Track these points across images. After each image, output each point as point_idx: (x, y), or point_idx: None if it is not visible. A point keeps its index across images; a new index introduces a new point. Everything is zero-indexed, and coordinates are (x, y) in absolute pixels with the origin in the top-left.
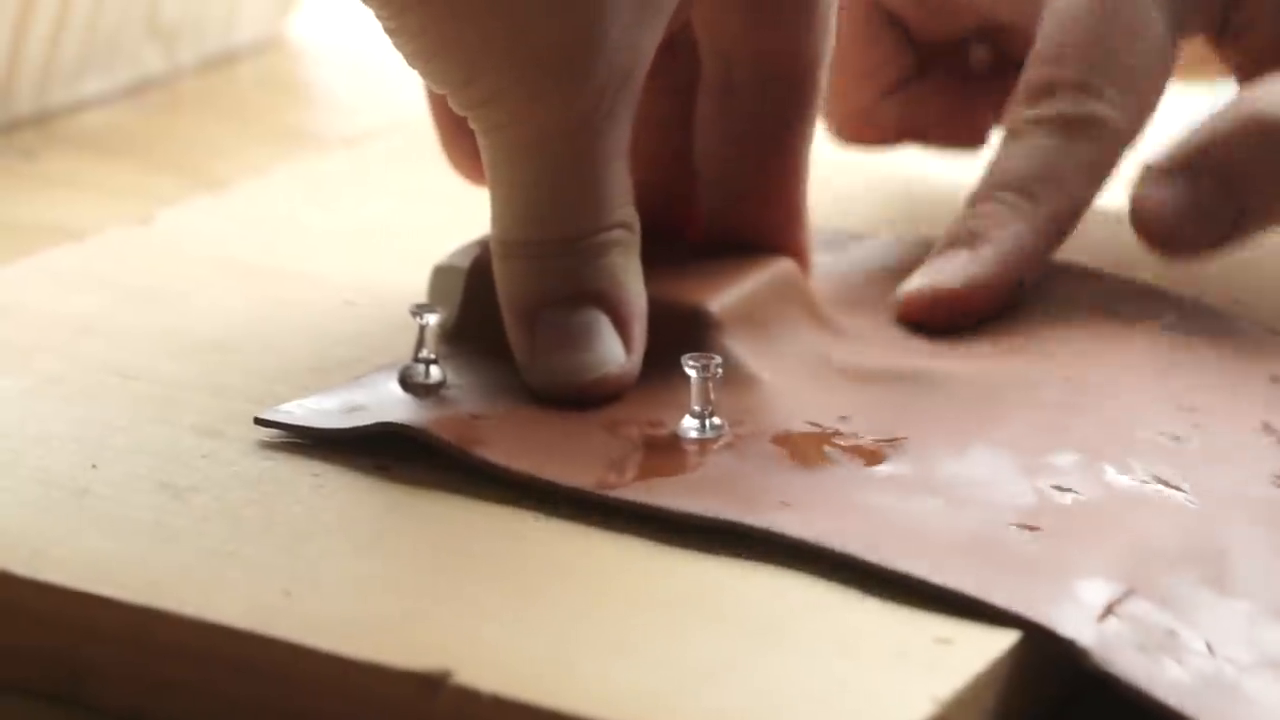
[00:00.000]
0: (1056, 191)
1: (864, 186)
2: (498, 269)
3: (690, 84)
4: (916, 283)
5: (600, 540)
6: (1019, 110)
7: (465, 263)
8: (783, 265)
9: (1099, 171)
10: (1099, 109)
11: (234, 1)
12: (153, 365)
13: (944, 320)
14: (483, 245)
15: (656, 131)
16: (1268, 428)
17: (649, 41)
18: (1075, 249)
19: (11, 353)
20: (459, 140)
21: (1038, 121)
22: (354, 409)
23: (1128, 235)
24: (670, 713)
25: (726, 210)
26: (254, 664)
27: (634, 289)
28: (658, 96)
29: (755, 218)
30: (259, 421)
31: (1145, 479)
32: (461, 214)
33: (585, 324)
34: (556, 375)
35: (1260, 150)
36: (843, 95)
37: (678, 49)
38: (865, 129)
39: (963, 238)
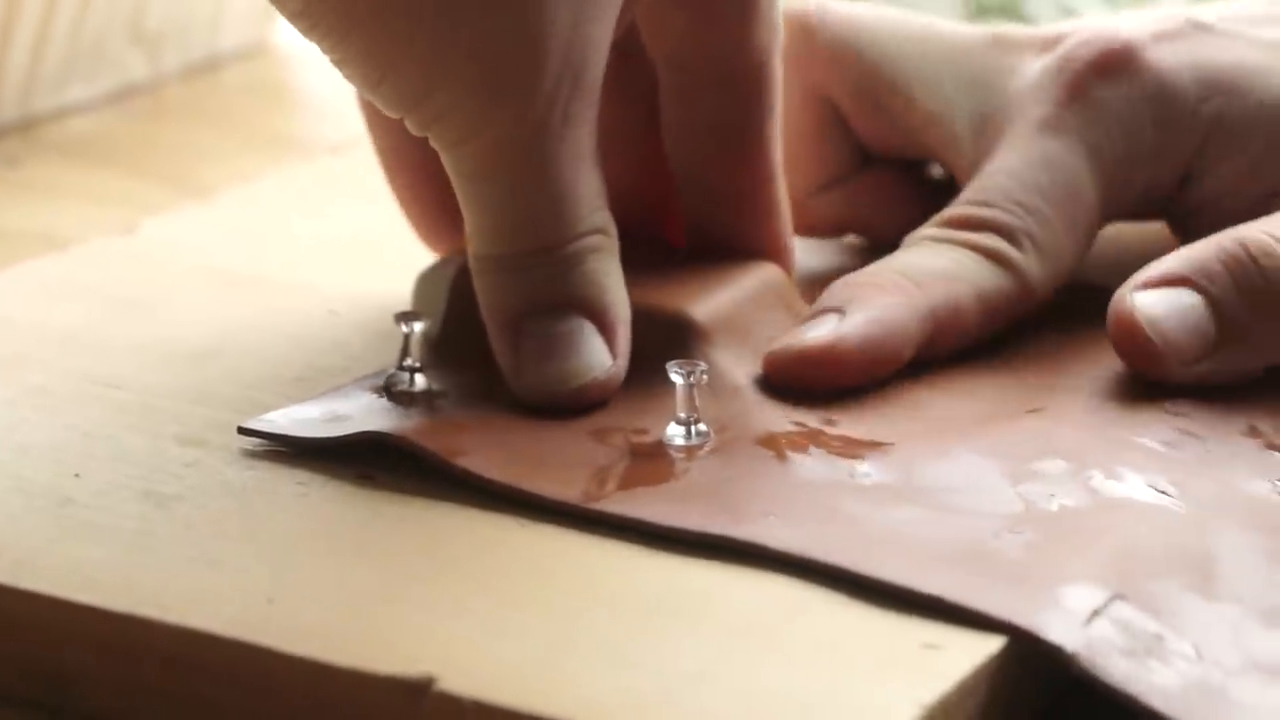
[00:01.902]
0: (947, 291)
1: None
2: (477, 283)
3: (654, 89)
4: (782, 342)
5: (584, 546)
6: (932, 229)
7: (449, 270)
8: (767, 270)
9: (994, 305)
10: (1015, 255)
11: (219, 7)
12: (136, 374)
13: (811, 379)
14: (466, 254)
15: (627, 138)
16: (1254, 431)
17: (598, 37)
18: None
19: None
20: (419, 204)
21: (951, 240)
22: (338, 418)
23: (1112, 248)
24: (655, 718)
25: (702, 211)
26: (237, 672)
27: (616, 294)
28: (623, 104)
29: (731, 216)
30: (242, 431)
31: (1132, 485)
32: None
33: (568, 332)
34: (542, 384)
35: (1248, 275)
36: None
37: (636, 55)
38: (802, 219)
39: (831, 307)
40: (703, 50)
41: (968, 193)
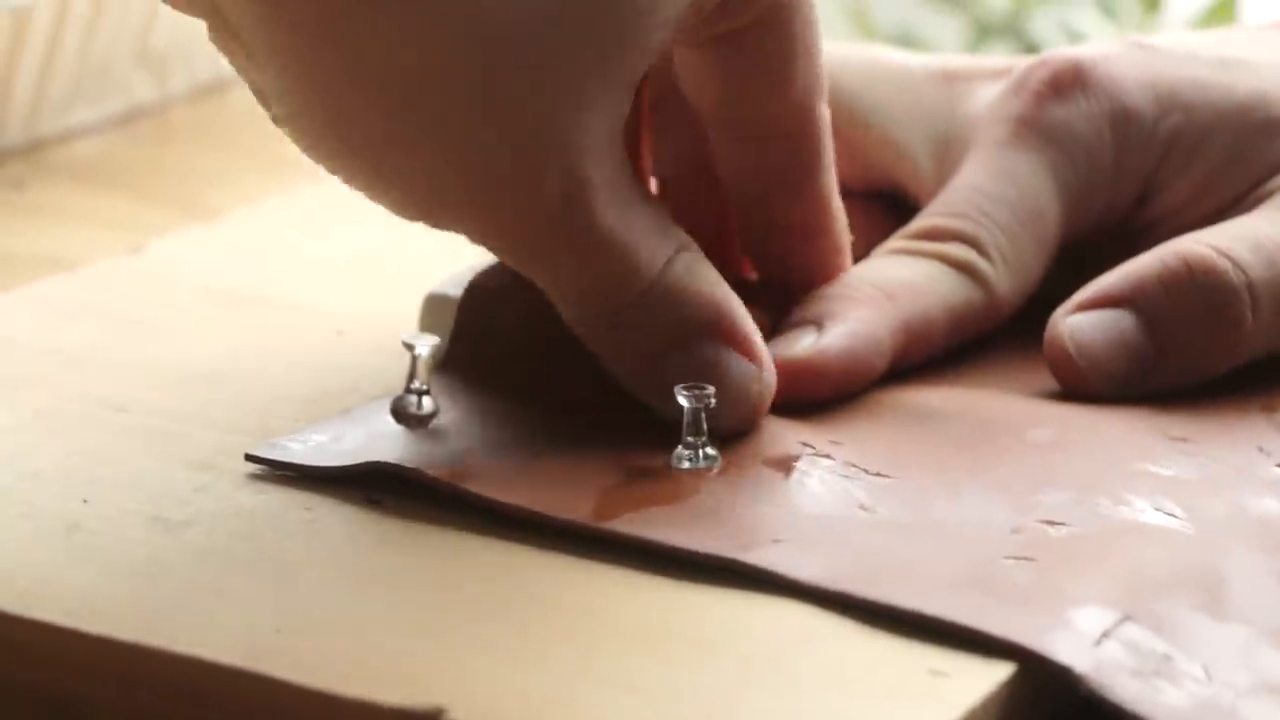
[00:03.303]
0: (917, 302)
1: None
2: (595, 348)
3: (699, 133)
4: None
5: (594, 573)
6: (900, 241)
7: (457, 292)
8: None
9: (963, 317)
10: (985, 267)
11: None
12: (144, 397)
13: (789, 391)
14: (475, 274)
15: (678, 185)
16: (1261, 452)
17: (604, 119)
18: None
19: (1, 385)
20: None
21: (919, 252)
22: (345, 442)
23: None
24: None
25: (765, 249)
26: (244, 702)
27: (725, 301)
28: (671, 151)
29: (794, 253)
30: (250, 458)
31: (1139, 509)
32: (454, 243)
33: (708, 364)
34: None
35: (1186, 292)
36: None
37: (676, 104)
38: None
39: (809, 320)
40: (743, 107)
41: (935, 205)
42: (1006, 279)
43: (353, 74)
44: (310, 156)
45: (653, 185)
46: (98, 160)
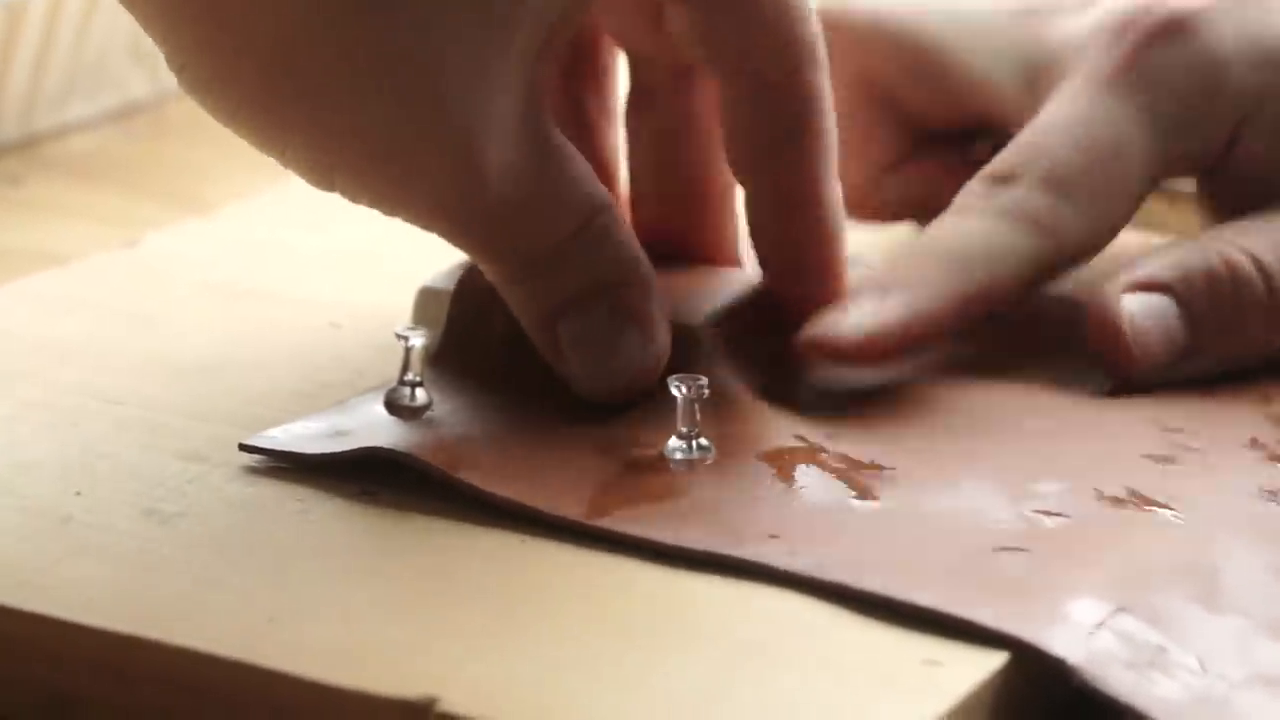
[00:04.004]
0: (980, 274)
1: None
2: (508, 301)
3: (676, 126)
4: (821, 325)
5: (587, 563)
6: (975, 190)
7: (450, 285)
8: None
9: (1033, 270)
10: (1059, 209)
11: None
12: (137, 390)
13: (849, 361)
14: (467, 268)
15: (655, 176)
16: (1255, 443)
17: (503, 89)
18: None
19: None
20: None
21: (990, 208)
22: (339, 433)
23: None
24: None
25: (757, 219)
26: (239, 693)
27: (629, 271)
28: (650, 141)
29: (781, 223)
30: (244, 448)
31: (1134, 500)
32: None
33: (597, 329)
34: (595, 388)
35: (1225, 295)
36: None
37: (656, 97)
38: (861, 205)
39: (874, 288)
40: (725, 57)
41: (1017, 141)
42: (1079, 224)
43: (219, 28)
44: (208, 112)
45: (624, 182)
46: (93, 155)
